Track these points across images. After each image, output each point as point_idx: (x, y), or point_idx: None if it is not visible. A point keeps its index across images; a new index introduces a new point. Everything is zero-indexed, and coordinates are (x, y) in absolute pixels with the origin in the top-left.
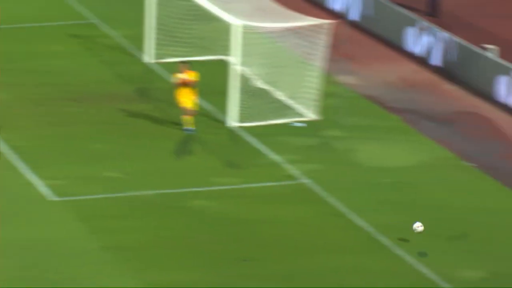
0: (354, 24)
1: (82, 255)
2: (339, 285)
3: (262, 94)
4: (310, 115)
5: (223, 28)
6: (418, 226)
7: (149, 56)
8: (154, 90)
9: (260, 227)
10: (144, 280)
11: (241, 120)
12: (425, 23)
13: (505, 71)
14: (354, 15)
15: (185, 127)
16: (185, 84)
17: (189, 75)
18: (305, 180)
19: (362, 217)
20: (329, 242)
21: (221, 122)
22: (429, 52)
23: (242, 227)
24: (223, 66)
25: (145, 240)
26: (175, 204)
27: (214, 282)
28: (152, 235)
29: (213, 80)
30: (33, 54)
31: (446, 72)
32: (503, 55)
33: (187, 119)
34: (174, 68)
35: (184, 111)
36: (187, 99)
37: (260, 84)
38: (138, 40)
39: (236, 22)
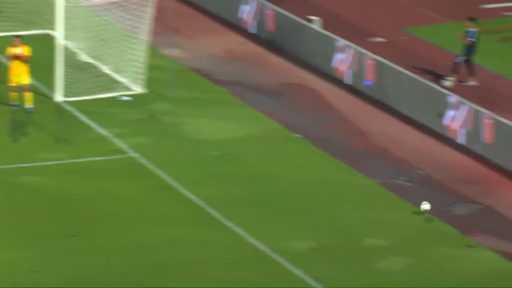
0: None
1: None
2: (171, 258)
3: (88, 68)
4: (137, 88)
5: (49, 2)
6: (424, 204)
7: None
8: None
9: (89, 202)
10: None
11: (68, 95)
12: None
13: (329, 42)
14: None
15: (13, 103)
16: (18, 58)
17: (23, 50)
18: (134, 154)
19: (192, 190)
20: (159, 216)
21: (48, 97)
22: (254, 24)
23: (71, 203)
24: (49, 40)
25: None
26: (2, 180)
27: (44, 258)
28: None
29: (40, 54)
30: None
31: (272, 44)
32: (325, 27)
33: (15, 95)
34: (3, 43)
35: (15, 88)
36: (21, 75)
37: (85, 58)
38: None
39: None
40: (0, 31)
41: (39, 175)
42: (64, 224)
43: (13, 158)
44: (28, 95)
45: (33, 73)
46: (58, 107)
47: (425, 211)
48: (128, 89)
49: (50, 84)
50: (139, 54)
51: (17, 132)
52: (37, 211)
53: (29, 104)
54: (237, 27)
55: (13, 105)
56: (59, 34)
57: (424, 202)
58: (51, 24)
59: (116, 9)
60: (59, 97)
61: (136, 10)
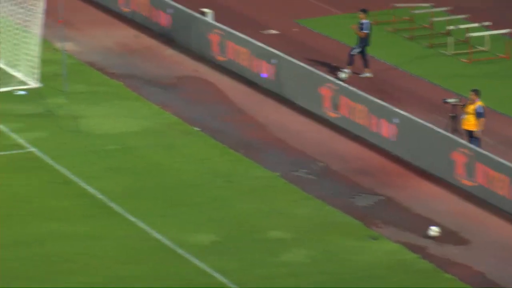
0: None
1: None
2: (67, 252)
3: None
4: (32, 83)
5: None
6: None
7: None
8: None
9: None
10: None
11: None
12: None
13: (220, 33)
14: None
15: None
16: None
17: None
18: (31, 149)
19: (90, 184)
20: (57, 210)
21: None
22: (149, 17)
23: None
24: None
25: None
26: None
27: None
28: None
29: None
30: None
31: (165, 36)
32: (218, 19)
33: None
34: None
35: None
36: None
37: None
38: None
39: None
40: None
41: None
42: None
43: None
44: None
45: None
46: None
47: (433, 236)
48: (23, 83)
49: None
50: (32, 48)
51: None
52: None
53: None
54: (129, 20)
55: None
56: None
57: (432, 228)
58: None
59: (7, 3)
60: None
61: (27, 4)
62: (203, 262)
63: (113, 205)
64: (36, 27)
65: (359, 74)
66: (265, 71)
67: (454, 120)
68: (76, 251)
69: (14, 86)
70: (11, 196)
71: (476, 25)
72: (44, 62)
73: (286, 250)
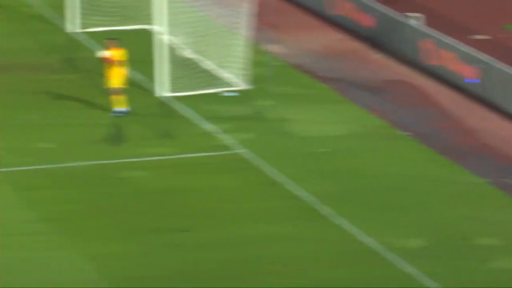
0: None
1: (16, 225)
2: (275, 254)
3: (191, 63)
4: (240, 84)
5: None
6: None
7: (72, 25)
8: (79, 60)
9: (193, 197)
10: (78, 251)
11: (171, 90)
12: None
13: (429, 38)
14: None
15: (114, 109)
16: (110, 62)
17: (115, 53)
18: (239, 150)
19: (298, 186)
20: (266, 212)
21: (150, 93)
22: (354, 21)
23: (174, 198)
24: (147, 35)
25: (78, 211)
26: (107, 175)
27: (146, 253)
28: (86, 206)
29: (139, 50)
30: None
31: (370, 40)
32: (429, 23)
33: (115, 99)
34: (99, 37)
35: (111, 91)
36: (113, 78)
37: (187, 53)
38: (60, 9)
39: None
40: (98, 26)
41: (143, 170)
42: (166, 219)
43: (116, 153)
44: (117, 98)
45: (135, 68)
46: (161, 102)
47: None
48: (231, 84)
49: (151, 79)
50: (240, 49)
51: (121, 127)
52: (140, 206)
53: (119, 107)
54: (335, 23)
55: (115, 112)
56: (159, 29)
57: None
58: (148, 19)
59: (215, 5)
60: (162, 92)
61: (235, 6)
62: (411, 267)
63: (319, 207)
64: (244, 29)
65: None
66: (471, 76)
67: None
68: (280, 252)
69: (222, 87)
70: (217, 197)
71: None
72: (253, 64)
73: (494, 257)
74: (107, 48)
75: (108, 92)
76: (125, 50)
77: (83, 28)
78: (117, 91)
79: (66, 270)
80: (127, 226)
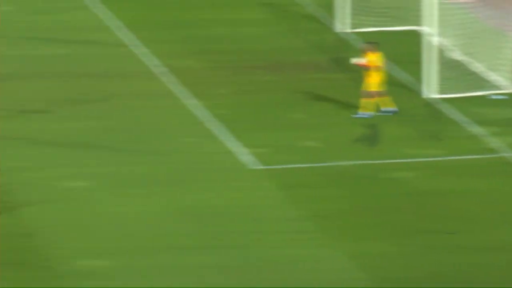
0: None
1: (280, 223)
2: None
3: (459, 65)
4: (509, 87)
5: None
6: None
7: (342, 25)
8: (347, 60)
9: (458, 199)
10: (341, 250)
11: (439, 92)
12: None
13: None
14: None
15: (359, 112)
16: (366, 67)
17: (371, 58)
18: (507, 154)
19: None
20: None
21: (418, 94)
22: None
23: (438, 199)
24: (414, 36)
25: (343, 210)
26: (373, 175)
27: (405, 254)
28: (350, 206)
29: (405, 50)
30: (218, 22)
31: None
32: None
33: (365, 102)
34: (367, 38)
35: (364, 94)
36: (369, 82)
37: (456, 55)
38: (329, 8)
39: None
40: (368, 26)
41: (409, 171)
42: (427, 221)
43: (381, 154)
44: (383, 100)
45: (403, 69)
46: (428, 104)
47: None
48: (498, 87)
49: (419, 80)
50: (510, 53)
51: (386, 127)
52: (403, 207)
53: (386, 107)
54: None
55: (359, 114)
56: (428, 30)
57: None
58: (417, 20)
59: (485, 7)
60: (429, 93)
61: (506, 8)
62: None
63: None
64: None
65: None
66: None
67: None
68: None
69: (489, 90)
70: (479, 200)
71: None
72: None
73: None
74: (364, 52)
75: (362, 94)
76: (381, 54)
77: (353, 28)
78: (371, 95)
79: (328, 268)
80: (389, 226)
